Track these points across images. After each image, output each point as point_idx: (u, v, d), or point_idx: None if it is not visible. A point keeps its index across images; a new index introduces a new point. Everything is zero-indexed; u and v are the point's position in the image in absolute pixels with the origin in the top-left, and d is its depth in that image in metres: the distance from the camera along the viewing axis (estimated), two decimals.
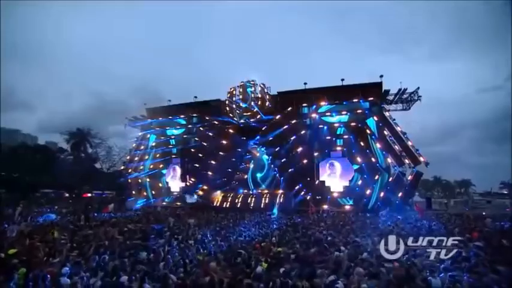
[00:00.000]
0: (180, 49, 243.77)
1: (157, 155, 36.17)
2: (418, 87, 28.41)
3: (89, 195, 36.15)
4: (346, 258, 7.46)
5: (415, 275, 5.67)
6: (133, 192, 34.78)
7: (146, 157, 36.21)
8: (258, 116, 32.46)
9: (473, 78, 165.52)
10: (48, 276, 5.53)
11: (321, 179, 29.89)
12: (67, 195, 40.33)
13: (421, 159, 26.48)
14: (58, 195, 41.28)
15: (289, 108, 31.34)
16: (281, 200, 28.98)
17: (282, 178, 30.44)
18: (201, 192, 32.92)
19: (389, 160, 27.55)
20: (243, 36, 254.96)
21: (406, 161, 27.28)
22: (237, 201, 30.98)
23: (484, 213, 24.66)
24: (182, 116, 35.79)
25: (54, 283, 5.32)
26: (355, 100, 28.82)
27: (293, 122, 30.99)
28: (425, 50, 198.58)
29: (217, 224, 14.85)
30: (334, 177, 29.84)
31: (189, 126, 35.70)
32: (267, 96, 32.88)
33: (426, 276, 5.69)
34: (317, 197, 28.46)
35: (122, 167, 33.27)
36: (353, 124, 29.35)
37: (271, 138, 31.03)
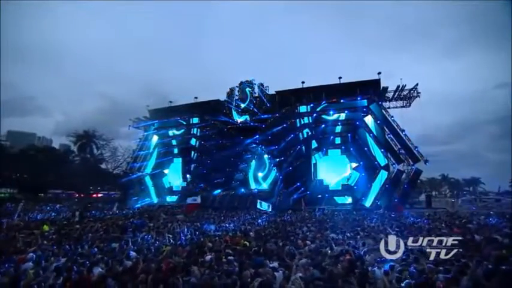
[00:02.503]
0: (180, 49, 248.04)
1: (160, 155, 37.10)
2: (417, 84, 27.92)
3: (95, 195, 37.54)
4: (308, 251, 7.72)
5: (357, 267, 5.84)
6: (136, 191, 35.76)
7: (149, 157, 37.20)
8: (257, 116, 32.74)
9: (488, 74, 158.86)
10: (15, 260, 6.08)
11: (319, 177, 29.76)
12: (76, 195, 42.02)
13: (420, 157, 25.88)
14: (68, 195, 43.10)
15: (287, 107, 31.44)
16: (279, 198, 29.07)
17: (281, 177, 30.56)
18: (202, 192, 33.43)
19: (388, 158, 27.10)
20: (241, 36, 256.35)
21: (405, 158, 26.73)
22: (236, 200, 31.23)
23: (490, 212, 23.83)
24: (183, 117, 36.59)
25: (17, 267, 5.83)
26: (352, 98, 28.60)
27: (291, 120, 31.06)
28: (430, 48, 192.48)
29: (203, 221, 15.25)
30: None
31: (190, 126, 36.39)
32: (265, 96, 33.11)
33: (370, 269, 5.86)
34: (318, 196, 28.33)
35: (125, 168, 34.40)
36: (351, 122, 29.14)
37: (270, 137, 31.23)
